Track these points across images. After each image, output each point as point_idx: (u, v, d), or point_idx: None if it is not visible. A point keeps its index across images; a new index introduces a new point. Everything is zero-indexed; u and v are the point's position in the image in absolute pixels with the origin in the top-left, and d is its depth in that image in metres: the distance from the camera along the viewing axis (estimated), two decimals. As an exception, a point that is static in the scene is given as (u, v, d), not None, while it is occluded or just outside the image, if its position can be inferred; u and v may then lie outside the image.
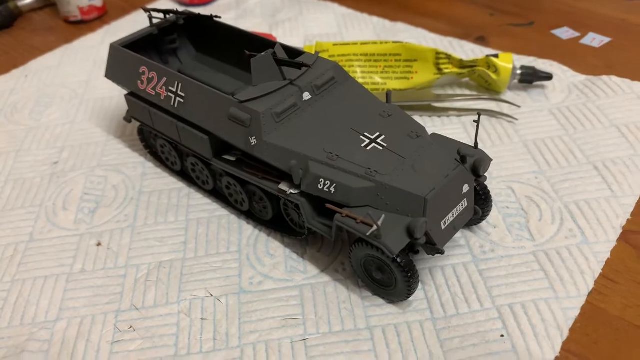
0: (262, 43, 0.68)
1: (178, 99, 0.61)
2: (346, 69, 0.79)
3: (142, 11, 1.05)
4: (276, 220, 0.61)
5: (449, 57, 0.77)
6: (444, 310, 0.52)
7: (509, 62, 0.75)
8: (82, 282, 0.58)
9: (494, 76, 0.75)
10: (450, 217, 0.52)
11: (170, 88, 0.61)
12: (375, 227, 0.48)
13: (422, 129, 0.56)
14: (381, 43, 0.79)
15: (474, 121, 0.54)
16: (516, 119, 0.73)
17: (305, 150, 0.53)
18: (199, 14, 0.69)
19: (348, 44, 0.80)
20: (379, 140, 0.54)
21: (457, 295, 0.53)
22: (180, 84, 0.60)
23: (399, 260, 0.49)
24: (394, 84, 0.78)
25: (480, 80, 0.78)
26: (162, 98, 0.62)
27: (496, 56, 0.75)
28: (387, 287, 0.52)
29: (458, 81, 0.80)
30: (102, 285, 0.57)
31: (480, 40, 0.91)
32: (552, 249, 0.57)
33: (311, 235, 0.59)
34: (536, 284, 0.54)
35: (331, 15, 1.00)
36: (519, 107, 0.74)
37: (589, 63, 0.83)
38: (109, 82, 0.87)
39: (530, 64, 0.83)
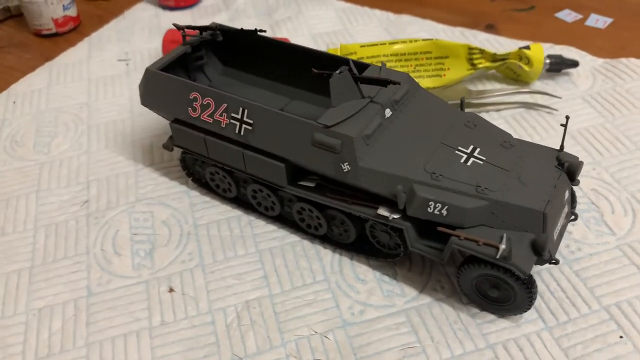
0: (300, 52, 0.64)
1: (244, 126, 0.56)
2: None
3: (124, 18, 0.97)
4: (356, 242, 0.59)
5: (482, 51, 0.76)
6: (555, 317, 0.52)
7: (541, 53, 0.75)
8: (168, 337, 0.53)
9: (526, 67, 0.76)
10: (558, 226, 0.52)
11: (234, 115, 0.56)
12: (502, 249, 0.47)
13: (510, 136, 0.55)
14: (410, 41, 0.77)
15: (562, 125, 0.54)
16: (556, 109, 0.74)
17: (406, 172, 0.51)
18: (242, 29, 0.64)
19: (376, 45, 0.78)
20: (476, 154, 0.52)
21: (563, 301, 0.54)
22: (246, 110, 0.56)
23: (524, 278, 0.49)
24: (426, 83, 0.77)
25: (508, 72, 0.78)
26: (223, 126, 0.57)
27: (527, 48, 0.76)
28: (504, 303, 0.52)
29: (485, 74, 0.80)
30: (192, 337, 0.53)
31: (490, 28, 0.91)
32: (635, 241, 0.58)
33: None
34: (633, 279, 0.55)
35: (331, 10, 0.96)
36: (560, 97, 0.74)
37: (599, 45, 0.85)
38: (114, 103, 0.80)
39: (548, 51, 0.84)
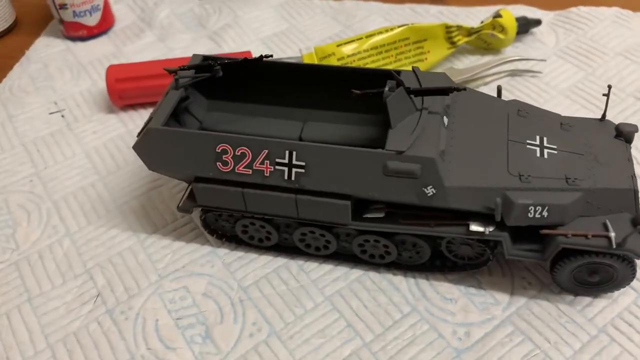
0: (300, 70, 0.57)
1: (295, 170, 0.49)
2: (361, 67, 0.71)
3: (29, 60, 0.81)
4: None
5: (459, 27, 0.74)
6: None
7: (512, 18, 0.75)
8: None
9: (501, 36, 0.75)
10: None
11: (279, 160, 0.49)
12: (614, 237, 0.46)
13: (561, 116, 0.54)
14: (386, 30, 0.73)
15: (604, 94, 0.53)
16: (539, 72, 0.74)
17: (495, 181, 0.47)
18: (245, 59, 0.54)
19: (353, 40, 0.72)
20: (546, 144, 0.50)
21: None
22: (294, 153, 0.48)
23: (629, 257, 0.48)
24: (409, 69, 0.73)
25: (479, 43, 0.77)
26: (267, 175, 0.50)
27: (499, 16, 0.75)
28: (603, 285, 0.51)
29: (458, 49, 0.78)
30: (307, 420, 0.46)
31: (438, 0, 0.89)
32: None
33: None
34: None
35: (268, 9, 0.88)
36: (544, 60, 0.75)
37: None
38: (71, 166, 0.67)
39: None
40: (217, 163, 0.50)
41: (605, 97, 0.53)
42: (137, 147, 0.53)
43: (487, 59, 0.76)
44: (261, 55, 0.53)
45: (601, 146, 0.51)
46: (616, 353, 0.49)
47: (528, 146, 0.50)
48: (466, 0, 0.87)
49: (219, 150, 0.50)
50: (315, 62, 0.72)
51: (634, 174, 0.49)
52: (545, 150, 0.50)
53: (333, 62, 0.71)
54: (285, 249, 0.57)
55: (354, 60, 0.71)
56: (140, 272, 0.57)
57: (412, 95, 0.49)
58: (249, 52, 0.73)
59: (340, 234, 0.54)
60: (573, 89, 0.72)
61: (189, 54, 0.81)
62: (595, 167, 0.49)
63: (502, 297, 0.53)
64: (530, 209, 0.47)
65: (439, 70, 0.75)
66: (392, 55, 0.73)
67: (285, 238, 0.57)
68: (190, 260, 0.58)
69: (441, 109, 0.50)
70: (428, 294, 0.54)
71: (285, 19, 0.86)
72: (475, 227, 0.49)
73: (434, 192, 0.47)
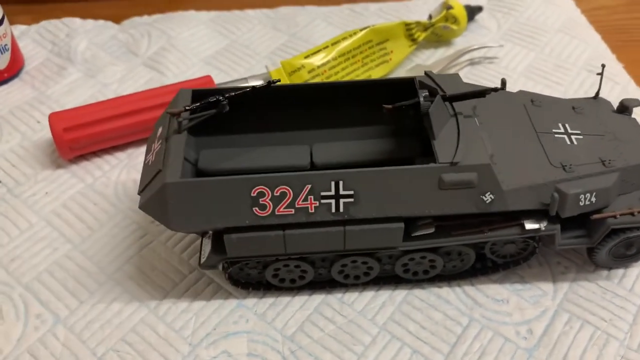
0: (289, 92, 0.53)
1: (343, 200, 0.45)
2: (332, 77, 0.68)
3: None
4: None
5: (417, 23, 0.73)
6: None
7: (462, 8, 0.76)
8: None
9: (454, 27, 0.75)
10: None
11: (325, 193, 0.44)
12: (658, 209, 0.48)
13: (566, 100, 0.55)
14: (350, 35, 0.70)
15: (598, 74, 0.55)
16: (496, 57, 0.76)
17: (544, 176, 0.47)
18: (254, 86, 0.48)
19: (319, 50, 0.68)
20: (570, 131, 0.51)
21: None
22: (341, 182, 0.44)
23: None
24: (377, 72, 0.71)
25: (430, 37, 0.77)
26: (312, 211, 0.45)
27: (451, 7, 0.75)
28: (636, 255, 0.53)
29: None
30: None
31: (369, -5, 0.88)
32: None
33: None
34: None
35: (200, 25, 0.81)
36: (502, 45, 0.76)
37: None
38: (31, 239, 0.56)
39: (432, 4, 0.84)
40: (254, 208, 0.45)
41: (600, 76, 0.55)
42: (148, 207, 0.46)
43: (450, 51, 0.77)
44: (269, 82, 0.48)
45: (613, 124, 0.53)
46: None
47: (556, 135, 0.51)
48: (399, -6, 0.88)
49: (255, 194, 0.44)
50: (285, 77, 0.67)
51: (655, 146, 0.52)
52: (573, 137, 0.51)
53: (304, 75, 0.67)
54: (319, 284, 0.53)
55: (325, 71, 0.68)
56: (166, 345, 0.49)
57: (447, 102, 0.47)
58: (208, 77, 0.66)
59: (382, 258, 0.51)
60: (530, 69, 0.75)
61: (126, 86, 0.72)
62: (620, 146, 0.51)
63: (547, 287, 0.53)
64: (580, 197, 0.47)
65: (407, 67, 0.74)
66: (359, 60, 0.70)
67: (319, 273, 0.52)
68: (219, 319, 0.51)
69: (471, 111, 0.49)
70: (479, 300, 0.53)
71: (223, 35, 0.80)
72: (530, 225, 0.48)
73: (493, 198, 0.46)
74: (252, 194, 0.44)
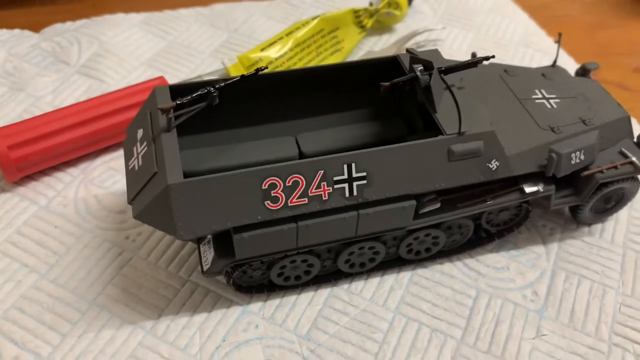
0: (271, 80, 0.51)
1: (356, 183, 0.43)
2: (291, 67, 0.66)
3: None
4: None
5: (365, 10, 0.73)
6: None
7: (402, -7, 0.77)
8: None
9: (397, 12, 0.76)
10: None
11: (337, 178, 0.42)
12: (635, 160, 0.50)
13: (532, 69, 0.57)
14: (303, 25, 0.68)
15: (555, 41, 0.58)
16: (440, 39, 0.77)
17: (539, 139, 0.48)
18: (243, 75, 0.44)
19: (274, 42, 0.66)
20: (547, 95, 0.53)
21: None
22: (353, 164, 0.42)
23: None
24: (331, 61, 0.70)
25: (374, 24, 0.77)
26: (326, 198, 0.43)
27: (392, -8, 0.76)
28: (615, 206, 0.56)
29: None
30: None
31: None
32: None
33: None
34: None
35: (133, 28, 0.75)
36: (444, 27, 0.78)
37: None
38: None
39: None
40: (266, 202, 0.42)
41: (557, 45, 0.58)
42: (147, 216, 0.41)
43: (393, 37, 0.77)
44: (257, 69, 0.45)
45: (580, 87, 0.56)
46: (645, 261, 0.55)
47: (537, 101, 0.52)
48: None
49: (266, 187, 0.41)
50: (243, 71, 0.64)
51: (619, 103, 0.55)
52: (551, 101, 0.53)
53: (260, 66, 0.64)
54: (324, 277, 0.51)
55: (284, 62, 0.65)
56: (177, 368, 0.45)
57: (442, 75, 0.47)
58: (161, 78, 0.61)
59: (387, 241, 0.50)
60: (472, 48, 0.77)
61: (63, 97, 0.65)
62: (593, 106, 0.53)
63: (539, 249, 0.55)
64: (572, 156, 0.49)
65: (358, 55, 0.73)
66: (313, 50, 0.69)
67: (324, 266, 0.50)
68: (226, 330, 0.47)
69: (460, 83, 0.49)
70: (481, 270, 0.53)
71: (159, 36, 0.75)
72: (530, 189, 0.49)
73: (498, 164, 0.46)
74: (263, 187, 0.41)
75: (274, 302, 0.50)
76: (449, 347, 0.48)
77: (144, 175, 0.43)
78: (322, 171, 0.42)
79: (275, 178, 0.42)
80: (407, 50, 0.51)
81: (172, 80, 0.68)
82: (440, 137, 0.44)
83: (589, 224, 0.57)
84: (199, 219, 0.41)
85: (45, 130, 0.55)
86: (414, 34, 0.75)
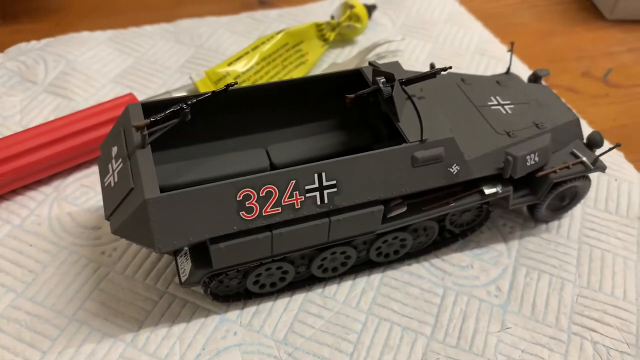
0: (239, 95, 0.53)
1: (327, 191, 0.45)
2: (258, 82, 0.67)
3: None
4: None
5: (327, 23, 0.75)
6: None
7: (363, 8, 0.79)
8: None
9: (358, 25, 0.79)
10: None
11: (309, 187, 0.44)
12: (585, 160, 0.54)
13: (486, 77, 0.60)
14: (268, 40, 0.70)
15: (508, 50, 0.61)
16: (400, 50, 0.80)
17: (495, 143, 0.51)
18: (213, 91, 0.46)
19: (240, 56, 0.67)
20: (502, 102, 0.56)
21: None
22: (323, 173, 0.45)
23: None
24: (296, 74, 0.72)
25: (336, 37, 0.80)
26: (298, 206, 0.45)
27: (353, 7, 0.78)
28: (570, 204, 0.59)
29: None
30: None
31: (264, 4, 0.88)
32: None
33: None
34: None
35: (100, 45, 0.75)
36: (403, 38, 0.80)
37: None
38: None
39: (333, 5, 0.87)
40: (241, 213, 0.43)
41: (510, 54, 0.62)
42: (125, 230, 0.42)
43: (355, 49, 0.80)
44: (227, 85, 0.47)
45: (532, 92, 0.59)
46: (598, 254, 0.58)
47: (492, 107, 0.55)
48: (289, 0, 0.90)
49: (241, 198, 0.43)
50: (211, 86, 0.66)
51: (569, 107, 0.58)
52: (506, 107, 0.56)
53: (230, 82, 0.66)
54: (298, 283, 0.53)
55: (250, 76, 0.67)
56: (159, 378, 0.46)
57: (403, 86, 0.49)
58: (130, 95, 0.62)
59: (358, 245, 0.52)
60: (431, 58, 0.80)
61: (32, 116, 0.66)
62: (545, 110, 0.57)
63: (501, 247, 0.58)
64: (527, 158, 0.52)
65: (322, 67, 0.76)
66: (279, 64, 0.71)
67: (298, 272, 0.52)
68: (205, 339, 0.49)
69: (420, 93, 0.52)
70: (447, 269, 0.56)
71: (125, 53, 0.76)
72: (489, 190, 0.52)
73: (458, 169, 0.49)
74: (237, 198, 0.43)
75: (250, 310, 0.51)
76: (420, 343, 0.50)
77: (120, 192, 0.44)
78: (294, 181, 0.44)
79: (249, 189, 0.43)
80: (370, 63, 0.54)
81: (141, 96, 0.69)
82: (404, 145, 0.47)
83: (546, 222, 0.61)
84: (176, 232, 0.43)
85: (18, 149, 0.56)
86: (375, 46, 0.77)
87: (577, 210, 0.62)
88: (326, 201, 0.46)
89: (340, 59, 0.79)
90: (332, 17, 0.80)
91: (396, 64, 0.55)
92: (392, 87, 0.48)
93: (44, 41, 0.76)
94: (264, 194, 0.44)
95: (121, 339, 0.48)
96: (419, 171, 0.48)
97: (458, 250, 0.58)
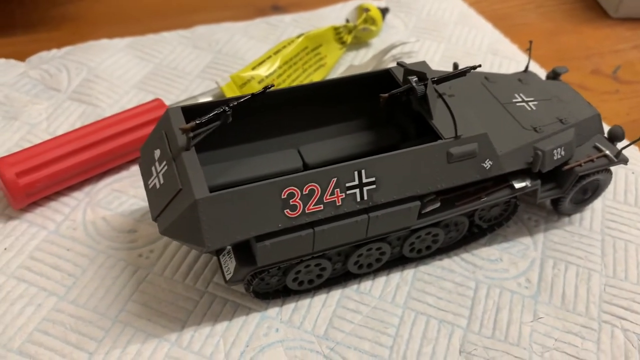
0: (274, 97, 0.54)
1: (366, 188, 0.46)
2: (281, 85, 0.69)
3: None
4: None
5: (345, 27, 0.76)
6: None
7: (377, 11, 0.81)
8: None
9: (373, 28, 0.80)
10: None
11: (349, 184, 0.46)
12: (608, 153, 0.56)
13: (506, 75, 0.62)
14: (289, 43, 0.71)
15: (527, 49, 0.63)
16: (415, 51, 0.82)
17: (525, 138, 0.53)
18: (252, 94, 0.47)
19: (263, 60, 0.69)
20: (526, 99, 0.57)
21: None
22: (363, 171, 0.46)
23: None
24: (316, 76, 0.73)
25: (352, 40, 0.81)
26: (339, 204, 0.46)
27: (368, 10, 0.79)
28: (592, 196, 0.61)
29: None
30: None
31: (277, 9, 0.89)
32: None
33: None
34: None
35: (120, 52, 0.76)
36: (418, 40, 0.82)
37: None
38: (11, 299, 0.50)
39: (345, 9, 0.89)
40: (285, 210, 0.44)
41: (528, 52, 0.63)
42: (174, 231, 0.43)
43: (370, 51, 0.81)
44: (265, 87, 0.48)
45: (553, 89, 0.61)
46: (622, 245, 0.60)
47: (517, 104, 0.57)
48: (304, 5, 0.91)
49: (285, 196, 0.44)
50: (236, 90, 0.67)
51: (589, 102, 0.60)
52: (530, 103, 0.57)
53: (255, 86, 0.67)
54: (334, 280, 0.54)
55: (274, 79, 0.68)
56: (205, 375, 0.47)
57: (435, 84, 0.51)
58: (158, 100, 0.63)
59: (392, 241, 0.53)
60: (445, 58, 0.82)
61: (58, 123, 0.67)
62: (566, 106, 0.58)
63: (527, 241, 0.60)
64: (554, 152, 0.54)
65: (341, 69, 0.77)
66: (299, 67, 0.72)
67: (334, 269, 0.53)
68: (248, 336, 0.50)
69: (450, 91, 0.53)
70: (478, 263, 0.57)
71: (145, 60, 0.77)
72: (519, 184, 0.54)
73: (491, 164, 0.50)
74: (282, 196, 0.44)
75: (289, 307, 0.52)
76: (457, 335, 0.51)
77: (167, 193, 0.45)
78: (335, 178, 0.46)
79: (293, 187, 0.44)
80: (398, 64, 0.55)
81: (165, 102, 0.70)
82: (439, 141, 0.48)
83: (569, 215, 0.62)
84: (224, 230, 0.44)
85: (51, 155, 0.57)
86: (391, 47, 0.79)
87: (598, 203, 0.64)
88: (365, 198, 0.47)
89: (356, 61, 0.80)
90: (347, 21, 0.81)
91: (424, 64, 0.56)
92: (426, 85, 0.49)
93: (64, 49, 0.77)
94: (307, 191, 0.45)
95: (166, 339, 0.49)
96: (454, 167, 0.49)
97: (486, 244, 0.59)
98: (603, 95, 0.80)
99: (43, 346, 0.48)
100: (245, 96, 0.48)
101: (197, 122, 0.45)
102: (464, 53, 0.83)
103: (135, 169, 0.63)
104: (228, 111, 0.46)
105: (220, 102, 0.49)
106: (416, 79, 0.50)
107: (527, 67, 0.64)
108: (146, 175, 0.48)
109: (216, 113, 0.46)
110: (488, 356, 0.50)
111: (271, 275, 0.50)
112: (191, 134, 0.45)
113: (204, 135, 0.46)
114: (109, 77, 0.73)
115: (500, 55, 0.83)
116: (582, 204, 0.61)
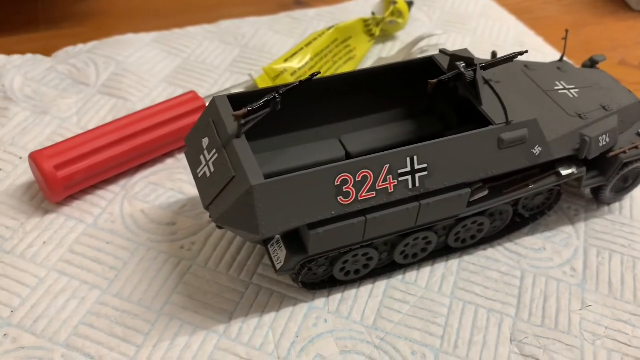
0: (320, 85, 0.53)
1: (418, 175, 0.46)
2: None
3: None
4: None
5: (373, 19, 0.76)
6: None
7: (404, 3, 0.80)
8: None
9: (400, 20, 0.80)
10: None
11: (402, 171, 0.45)
12: (653, 140, 0.55)
13: (546, 63, 0.61)
14: (320, 35, 0.70)
15: (563, 38, 0.63)
16: (442, 43, 0.81)
17: (572, 125, 0.52)
18: (300, 81, 0.46)
19: (295, 53, 0.68)
20: (567, 86, 0.57)
21: None
22: (415, 157, 0.45)
23: None
24: (346, 69, 0.73)
25: (379, 32, 0.81)
26: (391, 190, 0.45)
27: (395, 2, 0.79)
28: (632, 185, 0.60)
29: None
30: None
31: (300, 4, 0.89)
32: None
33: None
34: None
35: (147, 47, 0.76)
36: (445, 32, 0.82)
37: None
38: (54, 292, 0.49)
39: (368, 2, 0.89)
40: (339, 197, 0.44)
41: (564, 41, 0.63)
42: (228, 218, 0.43)
43: (397, 44, 0.81)
44: (312, 74, 0.47)
45: (592, 77, 0.60)
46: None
47: (560, 92, 0.56)
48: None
49: (339, 183, 0.44)
50: (269, 82, 0.66)
51: (629, 90, 0.60)
52: (572, 91, 0.57)
53: (288, 78, 0.66)
54: (379, 270, 0.53)
55: (306, 71, 0.68)
56: (257, 365, 0.46)
57: (483, 70, 0.50)
58: (193, 92, 0.63)
59: (438, 230, 0.53)
60: (473, 51, 0.80)
61: (89, 117, 0.66)
62: (608, 93, 0.58)
63: (569, 230, 0.59)
64: (600, 139, 0.53)
65: (369, 62, 0.76)
66: (330, 60, 0.71)
67: (380, 259, 0.52)
68: (297, 326, 0.49)
69: (494, 78, 0.53)
70: (522, 252, 0.56)
71: (172, 54, 0.76)
72: (565, 171, 0.53)
73: (541, 150, 0.50)
74: (336, 183, 0.44)
75: (336, 297, 0.52)
76: (507, 324, 0.51)
77: (219, 181, 0.44)
78: (387, 165, 0.45)
79: (347, 174, 0.44)
80: (441, 51, 0.55)
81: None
82: (490, 127, 0.48)
83: (609, 204, 0.62)
84: (278, 217, 0.43)
85: (88, 148, 0.56)
86: (420, 39, 0.78)
87: (637, 192, 0.63)
88: (417, 185, 0.46)
89: (384, 54, 0.79)
90: (373, 13, 0.81)
91: (466, 51, 0.56)
92: (475, 71, 0.49)
93: (90, 44, 0.76)
94: (360, 178, 0.44)
95: (214, 331, 0.48)
96: (504, 153, 0.49)
97: (529, 234, 0.58)
98: (632, 86, 0.79)
99: (89, 339, 0.47)
100: (293, 83, 0.47)
101: (249, 108, 0.44)
102: (490, 45, 0.83)
103: (170, 162, 0.62)
104: (278, 98, 0.46)
105: (269, 89, 0.48)
106: (464, 64, 0.50)
107: (562, 56, 0.64)
108: (194, 164, 0.47)
109: (267, 100, 0.45)
110: (539, 344, 0.49)
111: (319, 265, 0.50)
112: (243, 121, 0.44)
113: (254, 122, 0.46)
114: (138, 71, 0.72)
115: (526, 47, 0.82)
116: (622, 192, 0.61)
